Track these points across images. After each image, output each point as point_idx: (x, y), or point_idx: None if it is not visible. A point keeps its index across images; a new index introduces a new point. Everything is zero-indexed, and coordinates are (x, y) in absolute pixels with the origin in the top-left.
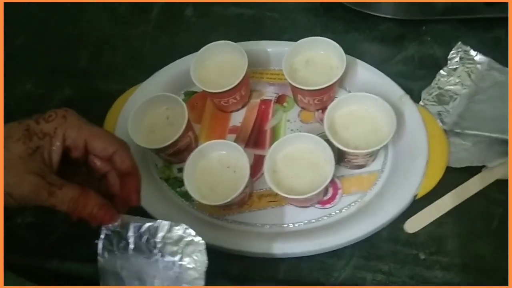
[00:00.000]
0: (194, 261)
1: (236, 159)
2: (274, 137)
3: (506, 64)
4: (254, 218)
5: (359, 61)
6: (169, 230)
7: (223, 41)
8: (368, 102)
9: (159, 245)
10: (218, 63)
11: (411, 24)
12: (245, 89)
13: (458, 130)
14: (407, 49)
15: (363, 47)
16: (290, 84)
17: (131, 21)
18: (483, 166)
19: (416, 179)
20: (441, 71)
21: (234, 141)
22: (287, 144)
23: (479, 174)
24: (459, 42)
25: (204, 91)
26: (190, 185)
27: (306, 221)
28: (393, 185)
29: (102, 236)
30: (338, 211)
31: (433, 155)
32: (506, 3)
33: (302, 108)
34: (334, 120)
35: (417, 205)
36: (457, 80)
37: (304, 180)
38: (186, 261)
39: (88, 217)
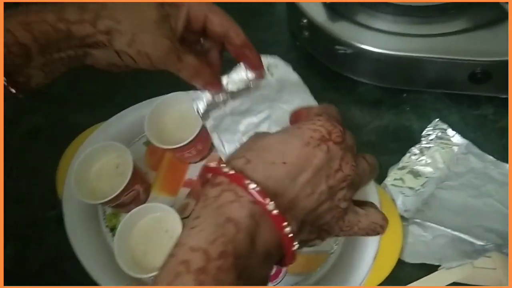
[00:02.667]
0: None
1: (173, 224)
2: None
3: (487, 148)
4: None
5: None
6: None
7: (181, 92)
8: None
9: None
10: (175, 116)
11: (392, 90)
12: (202, 143)
13: (418, 220)
14: (383, 118)
15: (338, 108)
16: None
17: None
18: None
19: (362, 271)
20: (413, 148)
21: (187, 196)
22: None
23: (435, 274)
24: (437, 119)
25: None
26: (121, 249)
27: None
28: (338, 274)
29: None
30: None
31: (385, 247)
32: (495, 83)
33: None
34: None
35: None
36: (429, 161)
37: None
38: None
39: (203, 84)
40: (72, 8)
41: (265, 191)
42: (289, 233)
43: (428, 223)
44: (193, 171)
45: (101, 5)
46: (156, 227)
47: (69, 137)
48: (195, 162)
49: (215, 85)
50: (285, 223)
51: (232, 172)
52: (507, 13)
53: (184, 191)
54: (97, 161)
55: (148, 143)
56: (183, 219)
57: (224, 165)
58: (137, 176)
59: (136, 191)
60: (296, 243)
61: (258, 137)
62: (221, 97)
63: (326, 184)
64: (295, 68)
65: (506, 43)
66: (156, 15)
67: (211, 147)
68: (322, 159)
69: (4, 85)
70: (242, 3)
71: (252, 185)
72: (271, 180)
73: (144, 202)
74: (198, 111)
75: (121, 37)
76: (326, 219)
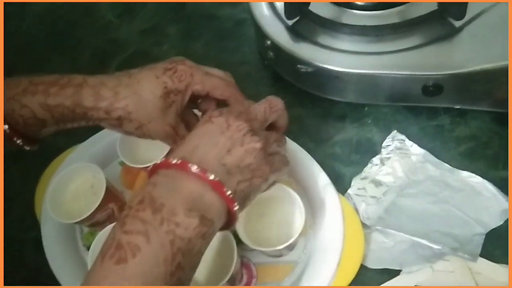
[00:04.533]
0: None
1: None
2: None
3: (444, 156)
4: None
5: (293, 143)
6: None
7: None
8: (283, 192)
9: None
10: None
11: (354, 104)
12: None
13: (380, 228)
14: (347, 131)
15: (304, 123)
16: None
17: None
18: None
19: (325, 278)
20: (374, 159)
21: None
22: None
23: (397, 278)
24: (395, 131)
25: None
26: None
27: None
28: (304, 282)
29: None
30: None
31: (348, 254)
32: (447, 95)
33: None
34: (250, 206)
35: None
36: (389, 171)
37: (207, 272)
38: None
39: None
40: (88, 94)
41: (169, 158)
42: (199, 171)
43: (390, 230)
44: None
45: (114, 95)
46: None
47: (47, 160)
48: None
49: None
50: (190, 165)
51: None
52: (454, 29)
53: None
54: (72, 182)
55: (122, 163)
56: None
57: None
58: (111, 195)
59: (110, 210)
60: (229, 190)
61: None
62: None
63: (223, 136)
64: (264, 86)
65: (454, 57)
66: (162, 105)
67: None
68: (209, 126)
69: (19, 144)
70: (213, 25)
71: (162, 158)
72: (179, 153)
73: None
74: None
75: (130, 124)
76: (249, 160)
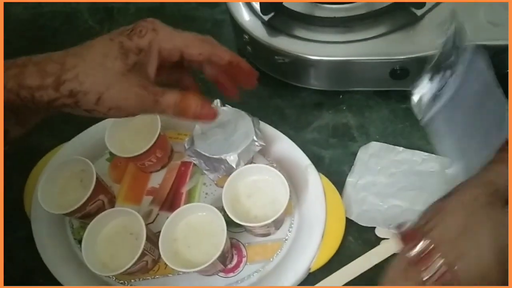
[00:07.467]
0: None
1: (138, 227)
2: (189, 200)
3: (414, 136)
4: (158, 284)
5: (275, 130)
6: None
7: None
8: (267, 173)
9: None
10: (133, 127)
11: (330, 93)
12: (161, 151)
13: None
14: (324, 117)
15: (284, 113)
16: None
17: None
18: (383, 239)
19: (311, 251)
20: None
21: (151, 203)
22: (189, 212)
23: (377, 248)
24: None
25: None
26: (88, 254)
27: None
28: (291, 256)
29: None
30: (239, 281)
31: (330, 228)
32: (413, 77)
33: None
34: (238, 188)
35: (315, 276)
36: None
37: (200, 251)
38: None
39: (192, 117)
40: (32, 72)
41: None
42: None
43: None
44: (155, 180)
45: (61, 67)
46: (121, 231)
47: (32, 161)
48: (157, 171)
49: (207, 115)
50: None
51: None
52: (416, 17)
53: (147, 199)
54: (61, 177)
55: (110, 159)
56: (147, 224)
57: None
58: (101, 187)
59: (101, 201)
60: None
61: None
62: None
63: None
64: None
65: (417, 42)
66: (121, 67)
67: (170, 155)
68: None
69: None
70: (192, 27)
71: None
72: None
73: None
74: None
75: (86, 97)
76: None
